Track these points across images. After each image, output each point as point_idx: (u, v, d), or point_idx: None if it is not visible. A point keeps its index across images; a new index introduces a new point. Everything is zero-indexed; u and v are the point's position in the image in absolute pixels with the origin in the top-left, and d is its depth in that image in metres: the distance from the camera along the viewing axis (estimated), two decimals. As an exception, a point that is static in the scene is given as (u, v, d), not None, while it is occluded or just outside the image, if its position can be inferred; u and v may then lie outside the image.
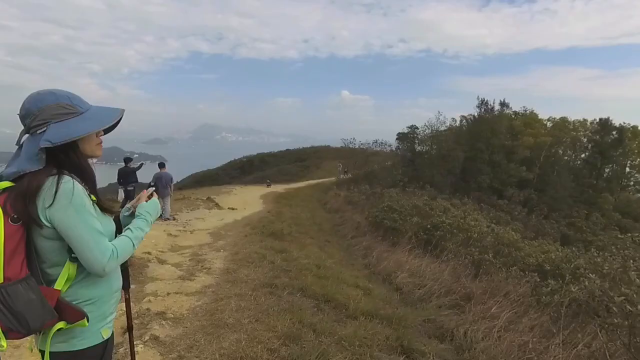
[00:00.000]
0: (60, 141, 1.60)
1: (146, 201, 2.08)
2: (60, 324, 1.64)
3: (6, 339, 1.54)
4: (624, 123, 57.84)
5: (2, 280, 1.51)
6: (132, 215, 2.07)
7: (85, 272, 1.69)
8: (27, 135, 1.68)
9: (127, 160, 13.75)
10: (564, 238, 38.35)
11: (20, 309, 1.52)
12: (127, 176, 13.07)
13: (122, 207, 2.43)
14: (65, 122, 1.65)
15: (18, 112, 1.69)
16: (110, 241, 1.80)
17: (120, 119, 1.90)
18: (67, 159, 1.68)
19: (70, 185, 1.60)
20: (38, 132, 1.63)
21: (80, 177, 1.69)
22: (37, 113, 1.64)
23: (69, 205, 1.58)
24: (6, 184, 1.61)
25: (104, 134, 1.91)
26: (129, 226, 1.88)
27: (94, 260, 1.62)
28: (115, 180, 13.59)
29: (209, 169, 70.59)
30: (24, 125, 1.68)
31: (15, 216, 1.55)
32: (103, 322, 1.81)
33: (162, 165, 13.49)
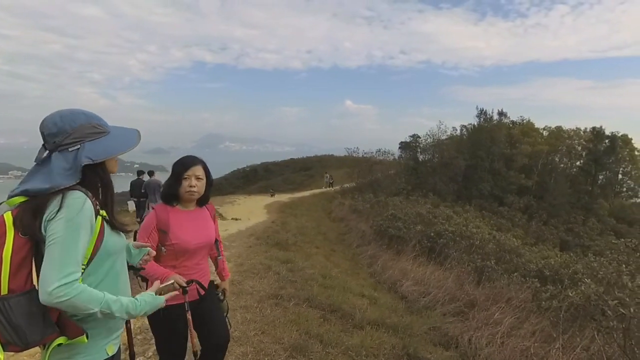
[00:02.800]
0: (101, 159, 1.67)
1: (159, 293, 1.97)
2: (60, 339, 1.62)
3: (4, 351, 1.54)
4: (616, 132, 58.79)
5: (6, 292, 1.51)
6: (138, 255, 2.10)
7: (90, 285, 1.66)
8: (55, 152, 1.67)
9: (140, 172, 14.03)
10: (564, 243, 38.59)
11: (20, 323, 1.51)
12: (139, 188, 13.21)
13: (138, 217, 2.65)
14: (99, 141, 1.71)
15: (43, 129, 1.70)
16: (121, 256, 1.86)
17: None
18: (96, 175, 1.71)
19: (81, 201, 1.61)
20: (70, 149, 1.66)
21: (104, 192, 1.74)
22: (71, 132, 1.68)
23: (66, 221, 1.57)
24: (21, 199, 1.63)
25: None
26: (119, 297, 1.73)
27: (46, 279, 1.52)
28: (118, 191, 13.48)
29: (212, 178, 70.23)
30: (52, 143, 1.68)
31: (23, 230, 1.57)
32: (108, 338, 1.79)
33: (151, 173, 13.65)
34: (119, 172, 1.92)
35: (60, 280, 1.51)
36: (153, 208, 2.72)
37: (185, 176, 2.72)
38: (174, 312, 2.61)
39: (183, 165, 2.75)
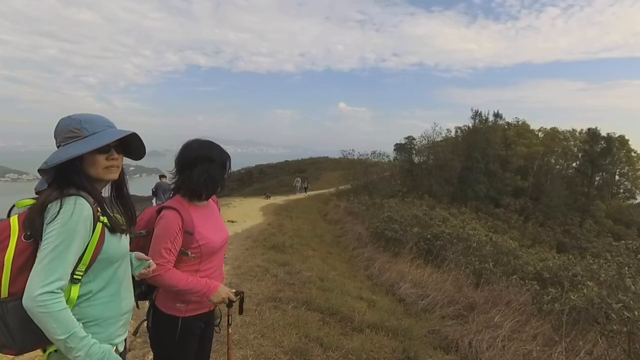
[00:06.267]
0: (52, 164, 1.60)
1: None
2: (54, 347, 1.60)
3: (1, 353, 1.57)
4: (612, 133, 58.95)
5: (6, 295, 1.51)
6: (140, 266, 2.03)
7: (92, 291, 1.68)
8: None
9: (162, 176, 15.39)
10: (560, 245, 38.65)
11: (16, 327, 1.51)
12: (164, 191, 14.14)
13: None
14: (67, 145, 1.67)
15: None
16: (124, 262, 1.83)
17: (143, 145, 1.89)
18: (72, 179, 1.67)
19: (71, 207, 1.58)
20: None
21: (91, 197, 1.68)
22: (55, 137, 1.71)
23: (60, 226, 1.55)
24: (31, 201, 1.66)
25: (134, 159, 1.93)
26: (95, 342, 1.63)
27: (32, 283, 1.50)
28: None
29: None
30: None
31: (28, 233, 1.57)
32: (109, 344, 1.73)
33: (162, 176, 15.14)
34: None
35: (44, 287, 1.49)
36: (167, 207, 2.28)
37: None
38: (187, 324, 2.32)
39: (227, 155, 2.38)
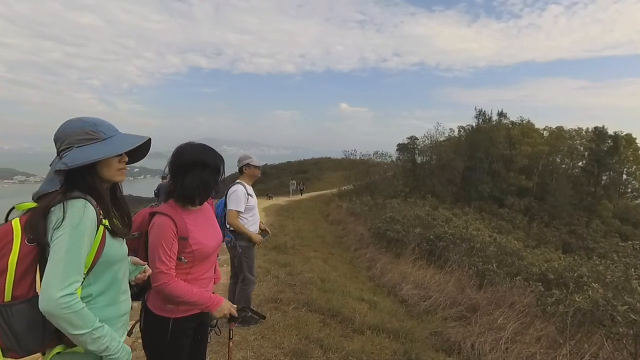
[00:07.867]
0: (74, 164, 1.61)
1: None
2: (59, 348, 1.63)
3: (4, 357, 1.56)
4: (619, 131, 58.40)
5: (9, 299, 1.51)
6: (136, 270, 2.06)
7: (92, 294, 1.68)
8: (57, 158, 1.70)
9: (163, 177, 15.31)
10: (566, 246, 38.33)
11: (20, 330, 1.52)
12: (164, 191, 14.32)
13: None
14: (85, 147, 1.68)
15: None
16: (123, 265, 1.84)
17: (148, 147, 1.92)
18: (84, 182, 1.68)
19: (77, 210, 1.59)
20: (64, 155, 1.67)
21: (95, 200, 1.68)
22: (64, 138, 1.70)
23: (70, 228, 1.56)
24: (31, 204, 1.65)
25: (135, 161, 1.96)
26: (110, 329, 1.70)
27: (50, 286, 1.50)
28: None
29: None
30: (57, 149, 1.72)
31: (31, 236, 1.57)
32: None
33: (164, 177, 14.88)
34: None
35: (64, 290, 1.52)
36: (159, 212, 2.26)
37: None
38: (178, 325, 2.29)
39: (221, 159, 2.34)
